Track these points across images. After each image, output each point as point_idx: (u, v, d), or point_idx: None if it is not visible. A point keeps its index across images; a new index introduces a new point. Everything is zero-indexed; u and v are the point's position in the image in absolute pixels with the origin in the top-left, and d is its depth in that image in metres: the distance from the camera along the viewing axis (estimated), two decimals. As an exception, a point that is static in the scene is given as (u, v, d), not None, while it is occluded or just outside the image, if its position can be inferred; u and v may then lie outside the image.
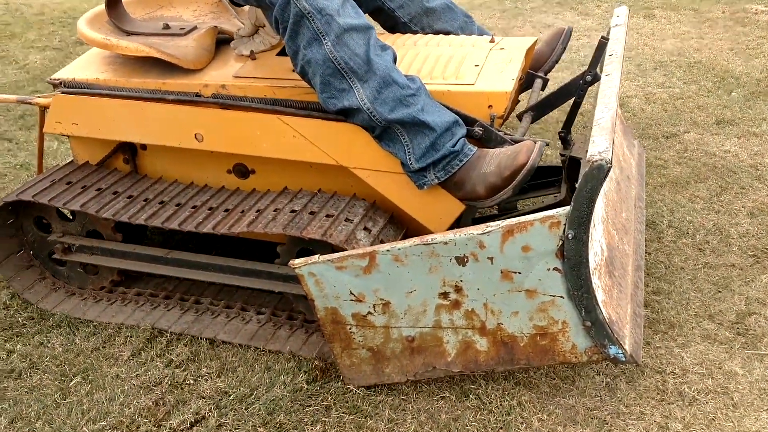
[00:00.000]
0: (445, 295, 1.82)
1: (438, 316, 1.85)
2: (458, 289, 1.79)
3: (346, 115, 2.02)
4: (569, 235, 1.61)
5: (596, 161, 1.52)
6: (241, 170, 2.35)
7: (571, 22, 5.02)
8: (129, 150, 2.42)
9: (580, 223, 1.59)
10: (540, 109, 2.29)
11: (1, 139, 3.92)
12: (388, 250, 1.77)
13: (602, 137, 1.60)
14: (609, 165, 1.51)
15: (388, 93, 1.92)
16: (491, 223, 1.69)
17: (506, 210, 2.52)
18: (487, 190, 1.94)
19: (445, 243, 1.72)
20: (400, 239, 2.14)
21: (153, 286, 2.47)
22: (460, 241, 1.71)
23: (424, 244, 1.74)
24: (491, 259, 1.72)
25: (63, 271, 2.50)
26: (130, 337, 2.26)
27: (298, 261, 1.84)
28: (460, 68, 2.13)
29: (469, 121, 2.02)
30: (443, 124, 1.94)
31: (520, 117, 2.27)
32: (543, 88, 2.46)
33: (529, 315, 1.77)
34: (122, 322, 2.33)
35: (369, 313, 1.88)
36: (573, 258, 1.64)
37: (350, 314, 1.89)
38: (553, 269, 1.68)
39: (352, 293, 1.86)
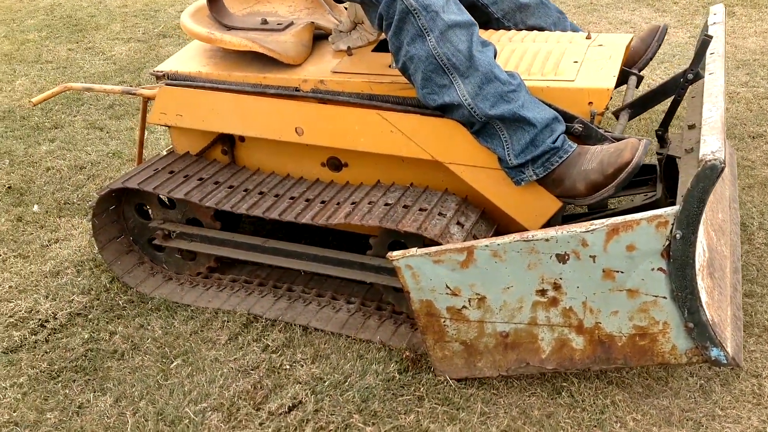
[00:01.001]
0: (542, 292, 1.82)
1: (534, 313, 1.86)
2: (557, 287, 1.80)
3: (445, 110, 2.04)
4: (677, 235, 1.60)
5: (709, 161, 1.50)
6: (335, 163, 2.41)
7: (648, 18, 4.91)
8: (228, 141, 2.50)
9: (689, 223, 1.58)
10: (637, 107, 2.27)
11: (92, 128, 4.09)
12: (486, 246, 1.79)
13: (713, 137, 1.58)
14: (722, 165, 1.50)
15: (490, 89, 1.93)
16: (595, 221, 1.69)
17: (595, 208, 2.50)
18: (587, 188, 1.93)
19: (546, 240, 1.73)
20: (492, 235, 2.16)
21: (247, 273, 2.55)
22: (562, 238, 1.72)
23: (524, 241, 1.75)
24: (593, 257, 1.72)
25: (161, 256, 2.60)
26: (227, 321, 2.35)
27: (396, 253, 1.88)
28: (559, 64, 2.12)
29: (568, 118, 2.02)
30: (543, 120, 1.94)
31: (616, 115, 2.25)
32: (637, 86, 2.43)
33: (629, 315, 1.77)
34: (218, 307, 2.42)
35: (464, 307, 1.91)
36: (679, 258, 1.63)
37: (445, 307, 1.92)
38: (658, 269, 1.67)
39: (447, 287, 1.88)
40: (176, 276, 2.59)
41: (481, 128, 2.00)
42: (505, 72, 1.98)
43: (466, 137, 2.06)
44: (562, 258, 1.75)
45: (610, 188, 1.90)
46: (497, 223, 2.21)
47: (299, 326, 2.31)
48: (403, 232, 2.05)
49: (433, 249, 1.84)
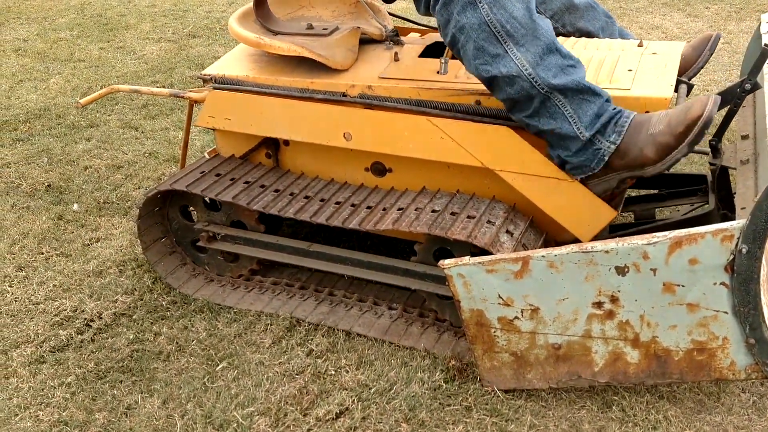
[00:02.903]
0: (599, 304, 1.80)
1: (589, 325, 1.84)
2: (614, 300, 1.78)
3: (497, 85, 1.94)
4: (742, 250, 1.57)
5: (781, 176, 1.48)
6: (379, 168, 2.40)
7: (679, 23, 4.87)
8: (272, 145, 2.50)
9: (755, 237, 1.55)
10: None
11: (128, 128, 4.11)
12: (543, 256, 1.77)
13: (782, 151, 1.56)
14: (794, 181, 1.47)
15: (551, 60, 1.87)
16: (657, 234, 1.67)
17: (643, 218, 2.47)
18: (657, 152, 1.81)
19: (606, 252, 1.71)
20: (540, 245, 2.15)
21: (288, 276, 2.55)
22: (623, 250, 1.69)
23: (582, 252, 1.73)
24: (654, 270, 1.70)
25: (203, 258, 2.60)
26: (270, 325, 2.34)
27: (447, 261, 1.87)
28: (613, 73, 2.10)
29: (622, 128, 2.00)
30: (605, 93, 1.91)
31: (669, 124, 2.22)
32: (688, 94, 2.40)
33: (688, 329, 1.74)
34: (261, 309, 2.41)
35: (516, 317, 1.89)
36: (743, 273, 1.60)
37: (496, 317, 1.90)
38: (720, 284, 1.65)
39: (500, 297, 1.87)
40: (217, 278, 2.59)
41: (541, 106, 1.89)
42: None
43: (518, 144, 2.04)
44: (621, 270, 1.73)
45: (682, 148, 1.77)
46: (545, 232, 2.19)
47: (342, 331, 2.30)
48: (452, 240, 2.04)
49: (487, 258, 1.83)
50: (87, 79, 4.77)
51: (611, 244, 1.70)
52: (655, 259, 1.69)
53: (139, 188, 3.35)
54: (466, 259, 1.85)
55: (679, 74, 2.41)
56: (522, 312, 1.88)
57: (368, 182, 2.43)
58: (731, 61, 4.25)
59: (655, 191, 2.56)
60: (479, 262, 1.83)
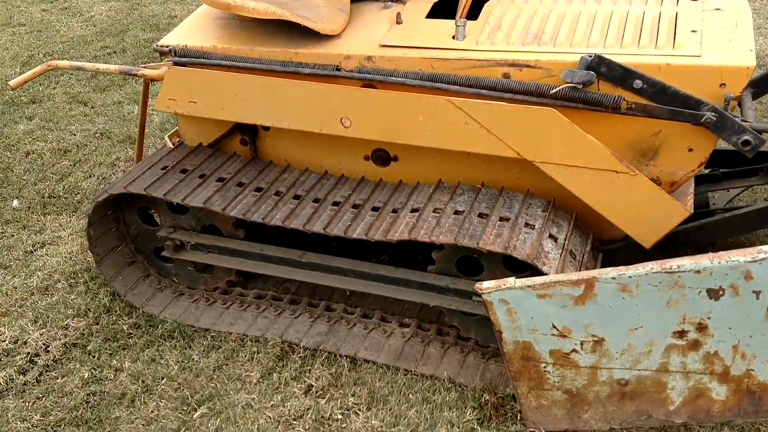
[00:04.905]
0: (681, 334, 1.43)
1: (666, 358, 1.47)
2: (701, 328, 1.40)
3: None
4: None
5: None
6: (382, 157, 1.97)
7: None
8: (249, 130, 2.05)
9: None
10: (760, 86, 1.85)
11: (75, 103, 3.60)
12: (613, 278, 1.38)
13: None
14: None
15: None
16: (763, 248, 1.28)
17: (697, 207, 2.07)
18: None
19: (697, 272, 1.32)
20: (588, 248, 1.75)
21: (274, 287, 2.13)
22: (719, 269, 1.31)
23: (666, 272, 1.35)
24: (758, 293, 1.32)
25: (170, 268, 2.17)
26: (257, 353, 1.93)
27: (487, 285, 1.47)
28: (674, 34, 1.68)
29: (693, 104, 1.59)
30: None
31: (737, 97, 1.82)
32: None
33: (798, 365, 1.38)
34: (244, 332, 2.00)
35: (574, 350, 1.51)
36: None
37: (548, 351, 1.52)
38: None
39: (554, 327, 1.48)
40: (189, 291, 2.16)
41: None
42: None
43: (567, 129, 1.62)
44: (714, 294, 1.35)
45: None
46: (591, 232, 1.80)
47: (345, 357, 1.90)
48: (485, 252, 1.63)
49: (539, 281, 1.43)
50: (28, 46, 4.21)
51: (704, 261, 1.32)
52: (760, 279, 1.31)
53: (90, 177, 2.87)
54: (511, 281, 1.45)
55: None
56: (582, 344, 1.49)
57: (370, 174, 2.00)
58: None
59: (706, 171, 2.18)
60: (529, 286, 1.44)
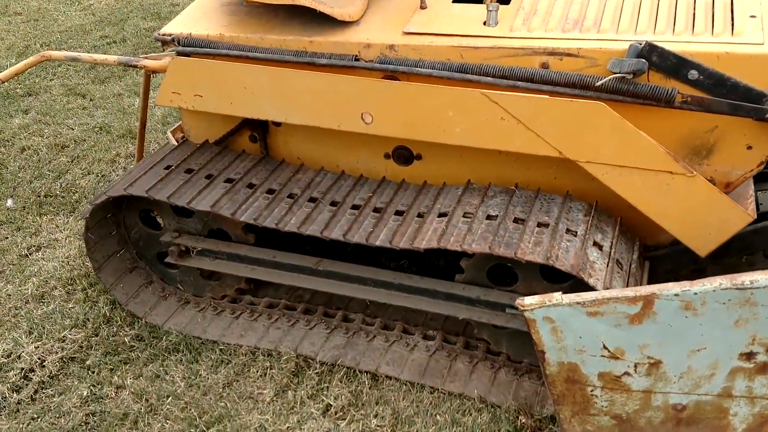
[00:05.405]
0: (749, 356, 1.28)
1: (731, 381, 1.32)
2: (774, 351, 1.25)
3: None
4: None
5: None
6: (404, 155, 1.81)
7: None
8: (259, 126, 1.89)
9: None
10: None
11: (73, 95, 3.43)
12: (676, 295, 1.22)
13: None
14: None
15: None
16: None
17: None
18: None
19: (774, 289, 1.17)
20: (636, 255, 1.60)
21: (286, 295, 1.98)
22: (801, 287, 1.15)
23: (737, 289, 1.19)
24: None
25: (174, 274, 2.01)
26: (270, 368, 1.78)
27: (530, 301, 1.31)
28: (732, 20, 1.52)
29: (755, 97, 1.43)
30: None
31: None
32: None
33: None
34: (255, 344, 1.85)
35: (626, 373, 1.35)
36: None
37: (596, 373, 1.37)
38: None
39: (605, 347, 1.33)
40: (194, 299, 2.01)
41: None
42: None
43: (617, 126, 1.46)
44: (792, 314, 1.19)
45: None
46: (637, 237, 1.64)
47: (366, 373, 1.75)
48: (524, 261, 1.47)
49: (589, 297, 1.27)
50: (24, 36, 4.05)
51: (783, 277, 1.16)
52: None
53: (88, 174, 2.72)
54: (557, 297, 1.30)
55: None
56: (636, 366, 1.34)
57: (390, 174, 1.84)
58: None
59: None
60: (578, 302, 1.28)
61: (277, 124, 1.89)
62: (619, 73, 1.46)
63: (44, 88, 3.49)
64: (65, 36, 4.08)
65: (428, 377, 1.73)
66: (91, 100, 3.39)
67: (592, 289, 1.42)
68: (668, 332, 1.28)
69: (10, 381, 1.79)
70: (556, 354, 1.37)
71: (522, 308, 1.32)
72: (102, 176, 2.70)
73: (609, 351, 1.33)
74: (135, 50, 3.86)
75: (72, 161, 2.82)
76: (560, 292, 1.31)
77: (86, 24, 4.24)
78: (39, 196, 2.58)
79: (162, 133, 2.98)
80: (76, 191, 2.61)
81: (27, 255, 2.28)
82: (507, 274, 1.63)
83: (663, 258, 1.72)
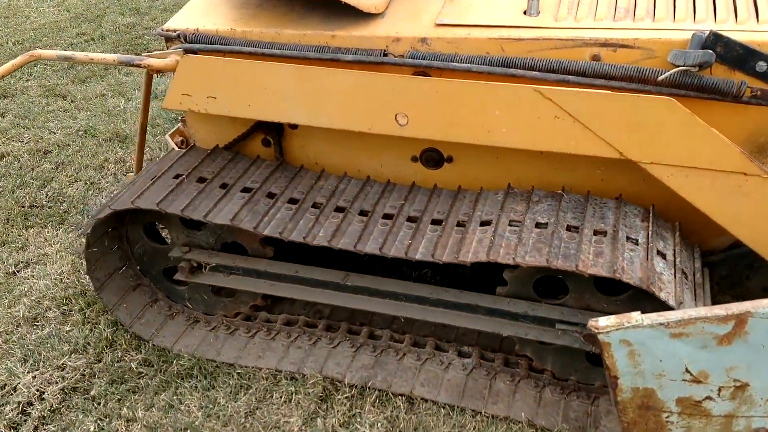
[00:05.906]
0: None
1: (824, 405, 1.19)
2: None
3: None
4: None
5: None
6: (434, 158, 1.67)
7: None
8: (273, 129, 1.73)
9: None
10: None
11: (52, 96, 3.23)
12: (773, 313, 1.10)
13: None
14: None
15: None
16: None
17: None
18: None
19: None
20: (699, 266, 1.47)
21: (303, 309, 1.83)
22: None
23: (843, 307, 1.06)
24: None
25: (182, 291, 1.85)
26: (295, 393, 1.63)
27: (605, 322, 1.18)
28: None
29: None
30: None
31: None
32: None
33: None
34: (276, 366, 1.69)
35: (708, 398, 1.23)
36: None
37: (674, 399, 1.25)
38: None
39: (688, 371, 1.20)
40: (205, 318, 1.85)
41: None
42: None
43: (688, 123, 1.33)
44: None
45: None
46: (695, 242, 1.52)
47: (400, 396, 1.61)
48: (587, 275, 1.34)
49: (674, 317, 1.15)
50: (-7, 35, 3.85)
51: None
52: None
53: (75, 182, 2.53)
54: (637, 317, 1.16)
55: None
56: (720, 390, 1.22)
57: (419, 178, 1.70)
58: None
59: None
60: (661, 324, 1.15)
61: (294, 127, 1.73)
62: (684, 65, 1.33)
63: (20, 89, 3.29)
64: (39, 34, 3.87)
65: (468, 399, 1.59)
66: (72, 101, 3.20)
67: (661, 303, 1.29)
68: (759, 353, 1.16)
69: (7, 417, 1.62)
70: (631, 379, 1.24)
71: (596, 330, 1.19)
72: (91, 184, 2.52)
73: (692, 375, 1.21)
74: (115, 48, 3.66)
75: (56, 168, 2.63)
76: (638, 312, 1.18)
77: (61, 21, 4.03)
78: (23, 207, 2.40)
79: (152, 136, 2.80)
80: (64, 201, 2.43)
81: (15, 272, 2.10)
82: (553, 284, 1.50)
83: (718, 264, 1.60)
